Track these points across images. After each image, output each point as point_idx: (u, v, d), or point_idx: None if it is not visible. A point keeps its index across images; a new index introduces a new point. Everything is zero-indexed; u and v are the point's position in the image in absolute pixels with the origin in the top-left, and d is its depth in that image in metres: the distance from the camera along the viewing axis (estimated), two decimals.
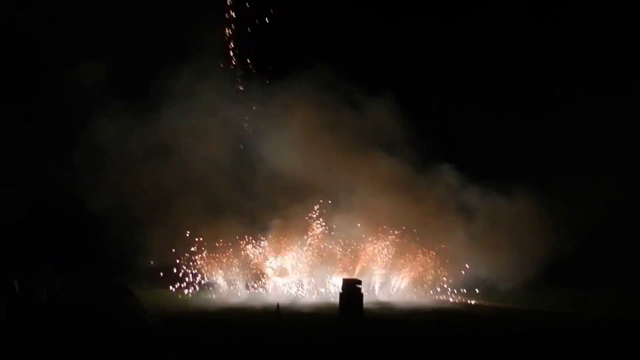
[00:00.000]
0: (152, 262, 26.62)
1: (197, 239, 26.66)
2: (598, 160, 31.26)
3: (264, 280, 27.37)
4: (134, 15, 30.09)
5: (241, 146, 29.69)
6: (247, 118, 30.25)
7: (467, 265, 27.79)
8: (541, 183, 30.29)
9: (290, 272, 27.44)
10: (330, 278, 27.42)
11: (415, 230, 27.99)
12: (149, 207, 27.24)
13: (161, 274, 26.96)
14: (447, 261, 27.84)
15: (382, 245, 27.63)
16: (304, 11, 34.54)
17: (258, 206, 28.95)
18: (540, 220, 28.83)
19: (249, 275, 27.36)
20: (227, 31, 29.93)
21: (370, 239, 27.87)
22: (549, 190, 29.70)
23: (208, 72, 29.59)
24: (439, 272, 27.90)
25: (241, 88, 29.36)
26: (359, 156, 29.82)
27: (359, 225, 28.19)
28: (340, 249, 27.77)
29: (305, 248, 27.16)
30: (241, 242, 27.22)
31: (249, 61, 30.51)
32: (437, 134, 34.20)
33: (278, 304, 19.92)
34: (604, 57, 36.48)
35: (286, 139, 29.46)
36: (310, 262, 27.07)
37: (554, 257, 27.91)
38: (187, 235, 26.70)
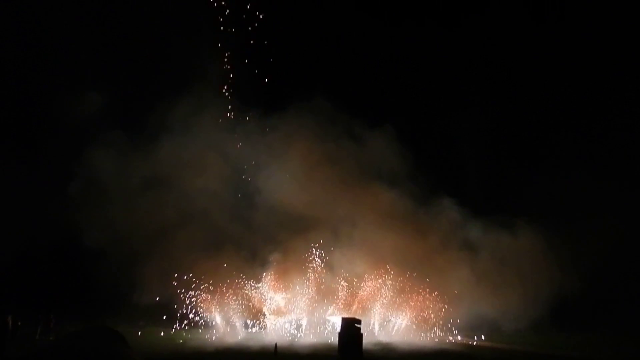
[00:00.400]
0: (157, 299, 26.03)
1: (194, 279, 26.15)
2: (605, 199, 30.81)
3: (262, 320, 26.90)
4: (133, 48, 30.92)
5: (243, 177, 29.53)
6: (246, 150, 30.03)
7: (470, 305, 27.16)
8: (545, 219, 29.78)
9: (288, 311, 26.92)
10: (327, 315, 26.98)
11: (414, 273, 27.38)
12: (146, 243, 26.87)
13: (164, 316, 26.29)
14: (447, 300, 27.15)
15: (383, 283, 27.10)
16: (303, 42, 35.52)
17: (257, 241, 28.67)
18: (545, 259, 28.43)
19: (248, 314, 26.94)
20: (226, 62, 29.74)
21: (370, 276, 27.39)
22: (554, 228, 29.21)
23: (206, 105, 29.68)
24: (441, 312, 27.26)
25: (231, 116, 29.20)
26: (359, 190, 29.70)
27: (359, 261, 27.65)
28: (340, 287, 27.22)
29: (304, 286, 26.69)
30: (239, 281, 26.74)
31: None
32: (439, 166, 34.60)
33: (276, 345, 19.53)
34: (610, 93, 36.59)
35: (286, 172, 29.42)
36: (309, 301, 26.63)
37: (559, 297, 27.45)
38: (186, 275, 26.12)
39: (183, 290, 25.98)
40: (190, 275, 26.06)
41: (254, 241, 28.47)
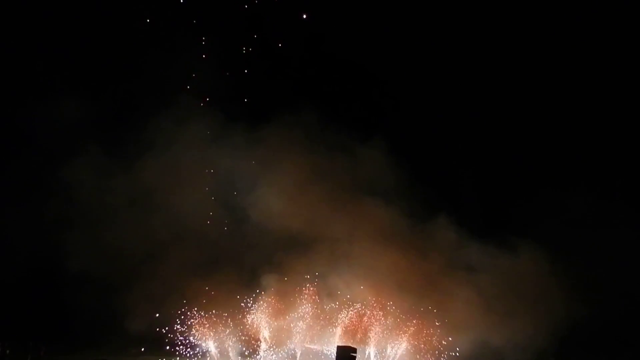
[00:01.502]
0: (148, 326, 25.15)
1: (186, 309, 25.42)
2: (613, 219, 28.92)
3: (257, 349, 26.30)
4: (112, 58, 29.87)
5: (233, 194, 28.61)
6: (233, 167, 29.00)
7: (472, 333, 25.86)
8: (550, 240, 28.13)
9: (282, 341, 26.06)
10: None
11: (413, 298, 26.17)
12: (133, 266, 26.19)
13: (158, 344, 25.40)
14: (447, 327, 25.96)
15: (381, 309, 26.13)
16: (291, 51, 32.95)
17: (248, 264, 27.71)
18: (551, 284, 27.01)
19: (242, 343, 26.08)
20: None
21: (369, 302, 26.36)
22: (559, 250, 27.71)
23: (189, 119, 28.62)
24: (441, 340, 26.04)
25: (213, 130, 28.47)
26: (353, 207, 28.47)
27: (356, 286, 26.60)
28: (337, 314, 26.16)
29: (298, 314, 25.88)
30: (233, 309, 25.92)
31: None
32: (435, 182, 31.99)
33: None
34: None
35: (276, 190, 28.06)
36: (305, 330, 25.85)
37: (567, 325, 26.01)
38: (178, 300, 25.39)
39: (176, 317, 25.34)
40: (184, 302, 25.51)
41: (246, 263, 27.76)
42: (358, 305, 26.55)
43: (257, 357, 25.97)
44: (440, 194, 30.89)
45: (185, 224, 27.79)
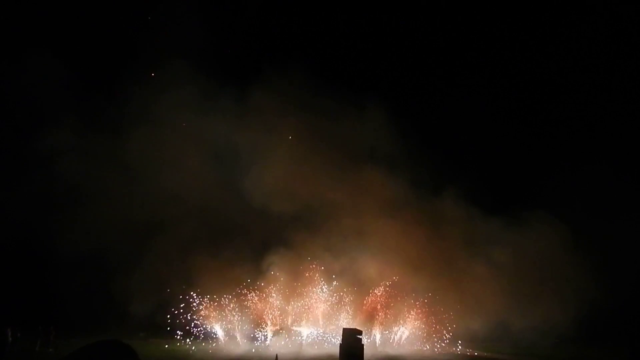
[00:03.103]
0: (154, 308, 24.95)
1: (193, 293, 25.17)
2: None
3: (264, 331, 26.50)
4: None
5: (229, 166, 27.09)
6: (228, 136, 27.54)
7: (487, 314, 25.08)
8: (568, 215, 26.39)
9: (289, 327, 26.30)
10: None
11: (426, 277, 25.38)
12: (133, 248, 25.49)
13: (167, 328, 25.11)
14: (460, 308, 25.46)
15: (391, 289, 25.99)
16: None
17: (251, 246, 26.77)
18: (571, 263, 25.63)
19: (249, 326, 26.24)
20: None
21: (380, 283, 26.17)
22: (579, 227, 26.12)
23: (178, 85, 26.90)
24: (452, 322, 25.86)
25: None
26: (359, 178, 26.91)
27: (365, 266, 26.02)
28: (346, 296, 26.13)
29: (307, 296, 26.08)
30: (239, 289, 25.87)
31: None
32: (444, 152, 30.16)
33: (277, 356, 19.34)
34: None
35: (274, 160, 26.59)
36: (313, 312, 26.04)
37: (588, 307, 24.65)
38: (182, 282, 25.08)
39: (181, 298, 25.15)
40: (189, 284, 25.40)
41: (248, 242, 26.90)
42: (367, 288, 26.46)
43: (264, 339, 26.17)
44: (450, 163, 29.57)
45: (179, 204, 26.70)
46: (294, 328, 26.19)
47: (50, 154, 25.41)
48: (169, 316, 25.07)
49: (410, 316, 26.20)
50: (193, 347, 24.52)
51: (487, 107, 32.94)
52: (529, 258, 26.55)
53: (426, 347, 26.40)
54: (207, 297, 25.55)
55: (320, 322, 26.31)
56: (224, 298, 25.65)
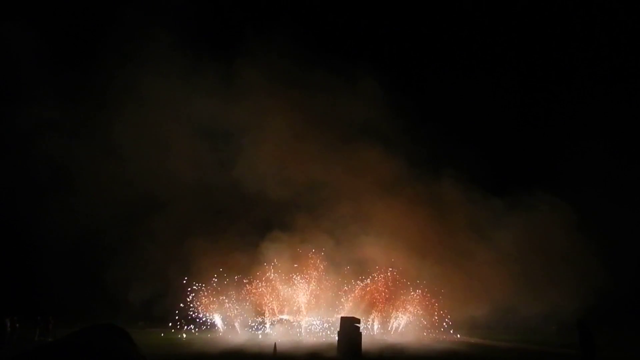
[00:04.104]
0: (152, 296, 24.58)
1: (195, 284, 24.80)
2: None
3: (262, 320, 26.47)
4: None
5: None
6: (216, 111, 26.37)
7: (490, 301, 24.39)
8: (575, 200, 25.11)
9: (289, 319, 26.31)
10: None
11: (425, 263, 24.91)
12: (134, 233, 25.15)
13: (163, 317, 25.21)
14: (461, 296, 24.88)
15: (386, 280, 25.84)
16: None
17: (247, 230, 26.24)
18: (576, 246, 24.60)
19: (247, 314, 26.27)
20: None
21: (375, 272, 25.89)
22: (584, 207, 24.89)
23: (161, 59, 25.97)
24: (444, 310, 25.74)
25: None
26: (353, 155, 26.04)
27: (365, 252, 25.60)
28: (345, 284, 26.04)
29: (303, 284, 25.96)
30: (238, 278, 25.73)
31: None
32: (444, 124, 28.90)
33: (275, 345, 19.42)
34: None
35: (264, 138, 25.71)
36: (310, 300, 26.00)
37: (595, 292, 23.60)
38: (179, 268, 24.86)
39: (179, 286, 25.05)
40: (184, 276, 25.29)
41: (243, 229, 26.42)
42: (368, 274, 26.17)
43: (262, 327, 26.21)
44: (449, 140, 28.49)
45: (171, 185, 26.07)
46: (292, 316, 26.21)
47: (32, 133, 24.55)
48: (166, 306, 25.27)
49: (411, 303, 26.09)
50: (187, 332, 24.39)
51: (487, 82, 32.25)
52: (532, 242, 25.83)
53: (424, 334, 26.29)
54: (203, 286, 25.46)
55: (321, 311, 26.33)
56: (223, 285, 25.53)
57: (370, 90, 26.97)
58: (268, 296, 26.11)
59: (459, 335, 26.53)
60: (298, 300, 26.01)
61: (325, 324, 26.23)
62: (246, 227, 26.66)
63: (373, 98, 26.93)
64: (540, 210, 25.84)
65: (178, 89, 26.93)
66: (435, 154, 27.33)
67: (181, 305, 25.26)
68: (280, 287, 26.05)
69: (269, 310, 26.20)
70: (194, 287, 25.43)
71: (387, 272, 26.01)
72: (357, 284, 26.48)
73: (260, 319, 26.30)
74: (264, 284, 26.11)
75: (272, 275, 25.89)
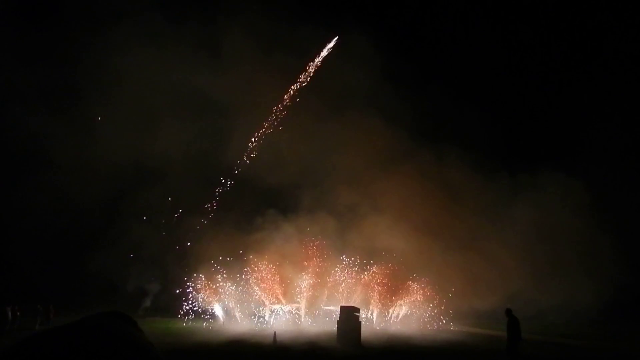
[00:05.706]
0: (151, 284, 24.48)
1: (195, 276, 24.67)
2: None
3: (262, 309, 26.46)
4: None
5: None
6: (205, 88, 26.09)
7: (495, 290, 23.83)
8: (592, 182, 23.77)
9: (287, 300, 26.40)
10: (324, 305, 25.55)
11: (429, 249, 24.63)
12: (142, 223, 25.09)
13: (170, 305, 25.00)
14: (466, 285, 24.45)
15: (388, 268, 25.58)
16: None
17: (246, 216, 26.04)
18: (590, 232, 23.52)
19: (249, 304, 26.31)
20: None
21: (379, 260, 25.53)
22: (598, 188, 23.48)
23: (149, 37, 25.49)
24: (444, 301, 25.29)
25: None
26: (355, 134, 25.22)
27: (366, 239, 25.57)
28: (346, 271, 25.91)
29: (302, 273, 26.01)
30: (235, 266, 25.68)
31: None
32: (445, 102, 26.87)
33: (275, 334, 19.51)
34: None
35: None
36: (309, 289, 25.93)
37: (614, 287, 22.65)
38: (177, 255, 25.02)
39: (179, 274, 25.15)
40: (183, 266, 25.43)
41: (241, 215, 26.15)
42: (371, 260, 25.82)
43: (262, 316, 26.26)
44: (453, 112, 27.00)
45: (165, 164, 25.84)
46: (293, 305, 26.25)
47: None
48: (166, 295, 25.58)
49: (413, 292, 25.84)
50: (190, 323, 24.40)
51: (492, 47, 31.50)
52: (542, 227, 24.70)
53: (428, 325, 25.98)
54: (202, 276, 25.40)
55: (321, 299, 26.31)
56: (221, 273, 25.44)
57: (361, 52, 26.25)
58: (269, 283, 26.08)
59: (459, 327, 26.29)
60: (299, 287, 25.90)
61: (324, 314, 26.24)
62: (241, 214, 26.82)
63: (365, 59, 26.07)
64: (550, 192, 24.72)
65: (159, 53, 26.65)
66: (438, 125, 26.47)
67: (178, 291, 25.18)
68: (279, 275, 26.02)
69: (268, 300, 26.20)
70: (195, 276, 25.42)
71: (389, 264, 25.79)
72: (358, 272, 26.38)
73: (260, 307, 26.30)
74: (263, 271, 26.01)
75: (267, 265, 25.77)
